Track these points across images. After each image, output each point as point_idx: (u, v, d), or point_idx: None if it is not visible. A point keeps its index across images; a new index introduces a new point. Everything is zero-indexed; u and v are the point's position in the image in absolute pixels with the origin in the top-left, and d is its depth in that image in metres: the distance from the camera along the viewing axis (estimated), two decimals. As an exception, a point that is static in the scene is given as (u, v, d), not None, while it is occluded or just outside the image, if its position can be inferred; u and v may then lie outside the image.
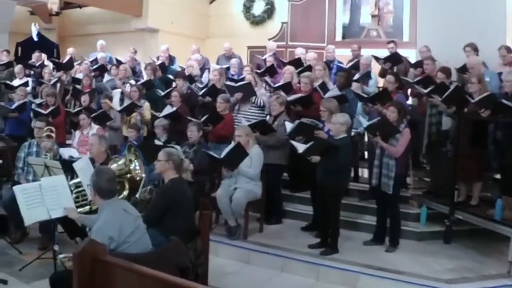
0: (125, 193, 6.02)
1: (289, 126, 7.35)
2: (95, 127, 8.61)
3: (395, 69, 9.72)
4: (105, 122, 8.94)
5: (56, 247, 5.36)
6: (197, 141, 7.65)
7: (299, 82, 8.79)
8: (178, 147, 6.89)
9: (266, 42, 15.04)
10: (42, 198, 5.08)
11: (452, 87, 7.56)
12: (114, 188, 4.37)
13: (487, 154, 7.30)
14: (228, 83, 9.01)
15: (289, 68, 9.29)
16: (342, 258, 6.60)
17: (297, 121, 7.23)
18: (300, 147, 6.64)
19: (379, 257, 6.68)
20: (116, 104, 9.55)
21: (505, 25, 9.41)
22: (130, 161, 6.04)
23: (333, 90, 8.11)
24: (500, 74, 8.27)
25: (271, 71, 10.06)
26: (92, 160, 6.32)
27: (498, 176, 8.01)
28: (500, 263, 6.60)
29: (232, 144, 7.18)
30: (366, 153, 8.87)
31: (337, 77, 8.40)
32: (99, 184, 4.25)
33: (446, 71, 7.88)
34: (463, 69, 8.40)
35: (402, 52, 10.21)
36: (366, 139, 8.57)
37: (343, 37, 15.63)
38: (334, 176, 6.59)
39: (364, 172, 9.08)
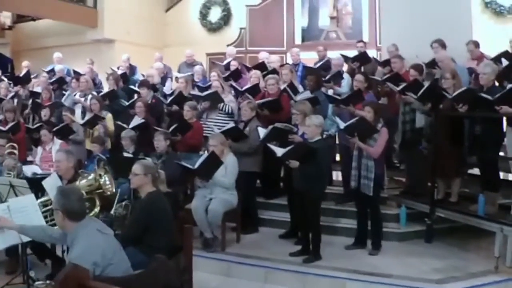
0: (97, 210, 5.71)
1: (261, 131, 7.12)
2: (58, 142, 8.20)
3: (362, 68, 9.62)
4: (68, 136, 8.56)
5: (32, 273, 4.97)
6: (164, 151, 7.35)
7: (265, 87, 8.62)
8: (149, 159, 6.57)
9: (225, 48, 14.89)
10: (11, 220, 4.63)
11: (425, 83, 7.48)
12: (85, 208, 4.02)
13: (464, 149, 7.22)
14: (194, 92, 8.68)
15: (256, 72, 9.14)
16: (327, 264, 6.37)
17: (270, 126, 7.01)
18: (279, 151, 6.41)
19: (364, 261, 6.49)
20: (78, 118, 9.16)
21: (470, 20, 9.38)
22: (100, 176, 5.74)
23: (305, 93, 7.91)
24: (469, 69, 8.26)
25: (236, 75, 9.80)
26: (59, 177, 5.96)
27: (472, 171, 8.00)
28: (485, 259, 6.52)
29: (206, 154, 6.89)
30: (337, 155, 8.69)
31: (307, 81, 8.20)
32: (69, 206, 3.83)
33: (418, 68, 7.78)
34: (432, 64, 8.33)
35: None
36: (337, 141, 8.39)
37: (303, 40, 15.59)
38: (313, 181, 6.36)
39: (337, 175, 8.87)
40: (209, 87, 8.91)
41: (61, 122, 9.04)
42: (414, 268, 6.29)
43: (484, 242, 7.14)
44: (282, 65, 9.95)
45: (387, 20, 10.01)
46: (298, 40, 15.59)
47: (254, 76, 8.95)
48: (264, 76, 8.97)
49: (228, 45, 15.29)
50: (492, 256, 6.36)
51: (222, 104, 8.19)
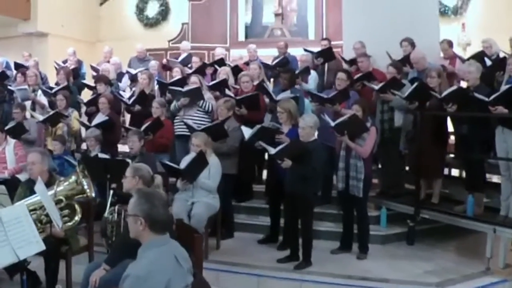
0: (77, 218, 5.20)
1: (246, 131, 6.75)
2: (11, 142, 7.47)
3: (326, 65, 9.41)
4: (21, 134, 7.87)
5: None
6: (138, 152, 6.83)
7: (236, 84, 8.28)
8: (129, 160, 6.07)
9: (164, 44, 14.56)
10: (6, 235, 3.83)
11: (405, 81, 7.40)
12: (170, 218, 3.37)
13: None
14: (174, 87, 8.12)
15: (225, 68, 8.80)
16: (319, 270, 6.09)
17: (258, 126, 6.63)
18: (271, 149, 6.09)
19: (354, 266, 6.27)
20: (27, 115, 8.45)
21: (437, 19, 9.33)
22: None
23: (286, 92, 7.55)
24: (442, 67, 8.21)
25: (201, 71, 9.34)
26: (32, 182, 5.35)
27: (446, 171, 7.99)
28: (472, 260, 6.47)
29: (193, 154, 6.42)
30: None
31: (280, 79, 7.89)
32: (155, 213, 3.16)
33: (397, 66, 7.61)
34: (403, 62, 8.21)
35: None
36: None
37: (246, 37, 15.22)
38: (306, 183, 6.05)
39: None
40: (177, 82, 8.36)
41: (7, 120, 8.31)
42: (407, 271, 6.13)
43: (467, 243, 7.16)
44: (246, 63, 9.61)
45: (348, 20, 9.75)
46: (241, 37, 15.22)
47: (222, 73, 8.55)
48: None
49: (169, 41, 14.90)
50: (478, 257, 6.37)
51: (202, 101, 7.71)
